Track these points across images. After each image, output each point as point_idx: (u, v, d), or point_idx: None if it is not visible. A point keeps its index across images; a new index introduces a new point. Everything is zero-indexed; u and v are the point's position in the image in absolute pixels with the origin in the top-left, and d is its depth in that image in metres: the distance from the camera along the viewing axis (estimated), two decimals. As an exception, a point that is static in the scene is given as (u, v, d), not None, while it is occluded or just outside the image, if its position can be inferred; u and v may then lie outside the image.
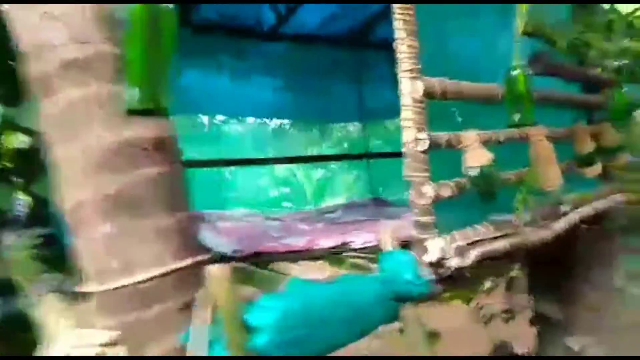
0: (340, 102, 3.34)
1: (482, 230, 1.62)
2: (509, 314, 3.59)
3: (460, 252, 1.47)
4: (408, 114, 1.49)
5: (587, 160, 2.41)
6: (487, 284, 3.55)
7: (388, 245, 1.42)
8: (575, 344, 3.17)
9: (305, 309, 1.03)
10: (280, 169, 3.76)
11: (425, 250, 1.47)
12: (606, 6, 2.65)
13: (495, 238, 1.62)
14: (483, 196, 1.60)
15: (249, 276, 1.31)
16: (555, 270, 3.35)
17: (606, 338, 3.15)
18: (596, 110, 2.91)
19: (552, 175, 1.99)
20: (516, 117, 1.64)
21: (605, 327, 3.15)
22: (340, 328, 1.11)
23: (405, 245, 1.57)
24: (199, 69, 2.77)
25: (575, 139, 2.40)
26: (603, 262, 3.19)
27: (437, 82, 1.51)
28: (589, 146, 2.39)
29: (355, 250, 1.68)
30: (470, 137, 1.58)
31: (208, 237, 1.80)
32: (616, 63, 2.20)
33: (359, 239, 1.71)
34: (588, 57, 1.99)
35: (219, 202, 3.29)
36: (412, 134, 1.48)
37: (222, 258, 1.54)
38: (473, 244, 1.56)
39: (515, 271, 3.71)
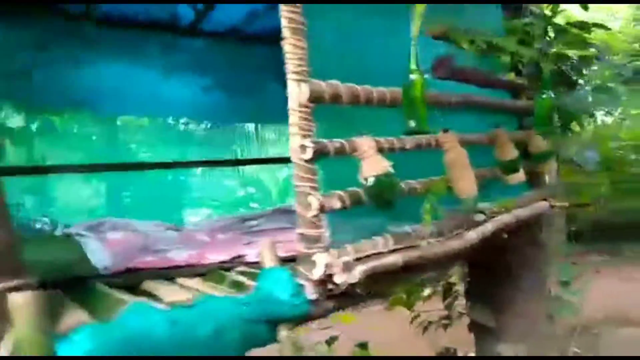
0: (274, 101, 3.21)
1: (380, 242, 1.53)
2: (448, 321, 3.55)
3: (348, 267, 1.37)
4: (294, 119, 1.39)
5: (510, 167, 2.37)
6: (426, 291, 3.50)
7: (268, 260, 1.32)
8: (508, 351, 3.16)
9: (136, 339, 0.91)
10: (249, 169, 3.69)
11: (312, 265, 1.38)
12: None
13: (393, 251, 1.53)
14: (379, 207, 1.52)
15: (83, 301, 1.17)
16: (489, 278, 3.33)
17: (539, 345, 3.15)
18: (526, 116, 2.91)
19: (466, 183, 1.93)
20: (412, 124, 1.55)
21: (537, 334, 3.14)
22: (188, 356, 0.99)
23: (293, 260, 1.47)
24: (114, 65, 2.60)
25: (497, 145, 2.36)
26: (534, 269, 3.19)
27: (327, 86, 1.41)
28: (511, 153, 2.35)
29: (247, 264, 1.57)
30: (365, 144, 1.50)
31: (93, 251, 1.66)
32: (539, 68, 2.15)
33: (255, 251, 1.60)
34: (500, 61, 1.94)
35: (184, 203, 3.15)
36: (297, 141, 1.38)
37: (94, 276, 1.39)
38: (367, 257, 1.47)
39: (453, 278, 3.68)
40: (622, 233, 6.87)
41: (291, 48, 1.38)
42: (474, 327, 3.33)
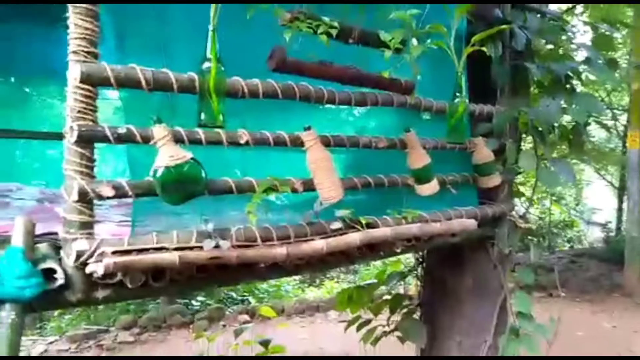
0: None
1: (169, 237, 1.46)
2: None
3: (101, 258, 1.33)
4: (69, 100, 1.36)
5: (422, 176, 2.14)
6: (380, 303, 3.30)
7: (16, 237, 1.31)
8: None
9: None
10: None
11: (70, 251, 1.36)
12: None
13: (182, 248, 1.45)
14: (165, 200, 1.44)
15: None
16: (441, 296, 3.07)
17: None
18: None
19: (327, 186, 1.77)
20: (202, 116, 1.44)
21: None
22: None
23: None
24: None
25: (408, 151, 2.13)
26: (487, 294, 2.87)
27: (107, 69, 1.36)
28: (422, 159, 2.11)
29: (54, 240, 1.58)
30: (159, 134, 1.42)
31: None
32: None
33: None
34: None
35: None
36: (69, 123, 1.36)
37: None
38: (145, 250, 1.41)
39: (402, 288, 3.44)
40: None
41: (74, 27, 1.35)
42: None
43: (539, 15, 2.79)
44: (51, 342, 5.86)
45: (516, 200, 3.04)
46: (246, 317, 6.73)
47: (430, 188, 2.15)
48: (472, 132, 2.52)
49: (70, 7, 1.34)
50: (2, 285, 1.23)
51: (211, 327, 6.32)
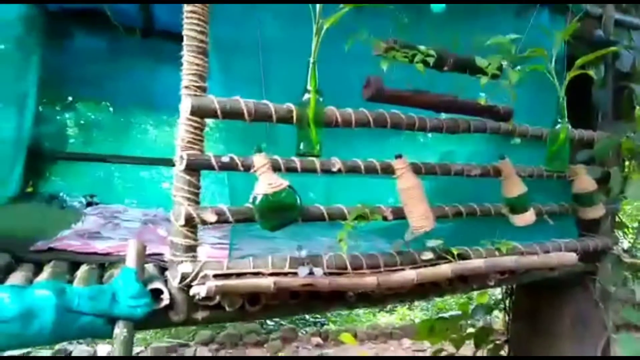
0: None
1: (265, 263, 1.50)
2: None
3: (204, 280, 1.39)
4: (180, 131, 1.46)
5: (518, 205, 2.03)
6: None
7: (129, 259, 1.41)
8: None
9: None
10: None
11: (175, 273, 1.43)
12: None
13: (277, 274, 1.48)
14: (263, 226, 1.48)
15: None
16: (531, 331, 2.86)
17: None
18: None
19: (418, 215, 1.74)
20: (301, 146, 1.47)
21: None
22: None
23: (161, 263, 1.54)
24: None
25: (503, 179, 2.03)
26: (585, 334, 2.64)
27: (215, 102, 1.44)
28: (518, 188, 2.00)
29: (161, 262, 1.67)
30: (259, 162, 1.48)
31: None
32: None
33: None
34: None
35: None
36: (178, 152, 1.45)
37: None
38: (243, 275, 1.46)
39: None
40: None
41: (187, 64, 1.45)
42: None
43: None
44: (137, 353, 6.20)
45: (618, 231, 2.80)
46: (319, 339, 6.70)
47: (525, 218, 2.03)
48: (572, 159, 2.36)
49: (185, 45, 1.45)
50: (118, 304, 1.32)
51: (284, 347, 6.36)
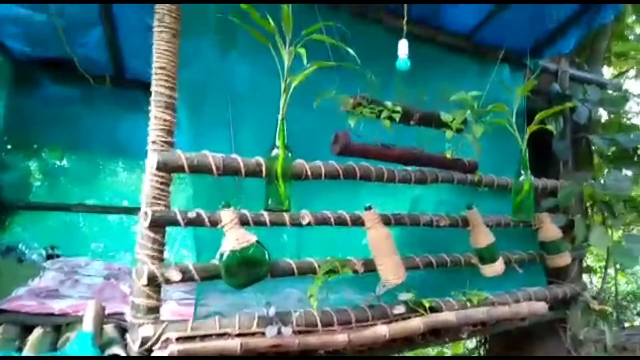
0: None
1: (232, 323, 1.44)
2: None
3: (167, 344, 1.32)
4: (145, 187, 1.42)
5: (486, 255, 2.04)
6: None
7: (89, 322, 1.33)
8: None
9: None
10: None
11: (136, 336, 1.36)
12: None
13: (245, 334, 1.43)
14: (229, 283, 1.44)
15: None
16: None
17: None
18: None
19: (389, 267, 1.72)
20: (269, 201, 1.46)
21: None
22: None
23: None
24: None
25: (472, 228, 2.05)
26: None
27: (182, 157, 1.42)
28: (486, 238, 2.02)
29: (120, 321, 1.59)
30: (227, 217, 1.45)
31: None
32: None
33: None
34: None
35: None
36: (143, 208, 1.41)
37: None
38: (204, 337, 1.39)
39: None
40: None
41: (154, 119, 1.44)
42: None
43: (598, 87, 2.74)
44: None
45: (584, 275, 2.84)
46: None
47: (495, 269, 2.04)
48: (537, 207, 2.42)
49: (153, 100, 1.44)
50: (71, 372, 1.23)
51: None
